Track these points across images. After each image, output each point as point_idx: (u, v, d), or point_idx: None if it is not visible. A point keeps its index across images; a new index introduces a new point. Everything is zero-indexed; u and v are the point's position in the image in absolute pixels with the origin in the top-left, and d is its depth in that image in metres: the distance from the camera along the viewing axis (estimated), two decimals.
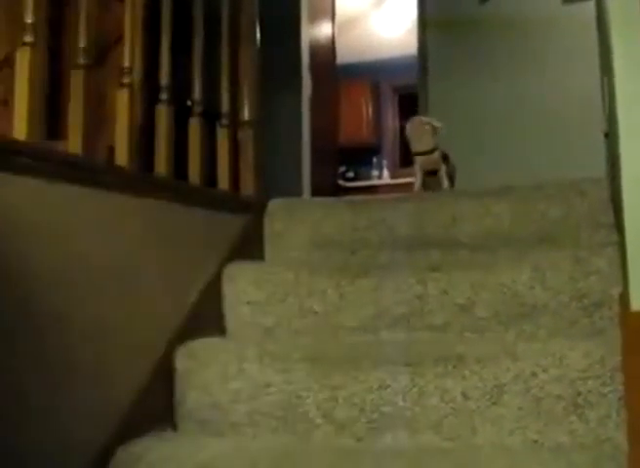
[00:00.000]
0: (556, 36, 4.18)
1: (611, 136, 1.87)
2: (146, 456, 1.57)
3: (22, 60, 1.54)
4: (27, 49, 1.54)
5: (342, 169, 8.10)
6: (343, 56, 7.05)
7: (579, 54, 3.89)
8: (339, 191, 6.49)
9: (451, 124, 4.40)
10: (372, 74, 8.40)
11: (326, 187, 5.56)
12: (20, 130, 1.52)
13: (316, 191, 5.12)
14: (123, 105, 1.88)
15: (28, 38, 1.55)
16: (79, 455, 1.52)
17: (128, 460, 1.57)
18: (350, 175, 8.44)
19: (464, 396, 1.61)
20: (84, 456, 1.53)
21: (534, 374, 1.59)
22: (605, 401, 1.54)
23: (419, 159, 2.75)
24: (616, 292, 1.74)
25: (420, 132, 2.73)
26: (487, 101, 4.39)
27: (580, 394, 1.56)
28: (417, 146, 2.74)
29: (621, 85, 1.58)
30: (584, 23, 3.51)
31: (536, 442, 1.57)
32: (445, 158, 2.74)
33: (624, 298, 1.55)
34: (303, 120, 5.19)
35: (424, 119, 2.84)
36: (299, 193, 4.87)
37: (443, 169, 2.73)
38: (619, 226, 1.77)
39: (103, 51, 2.09)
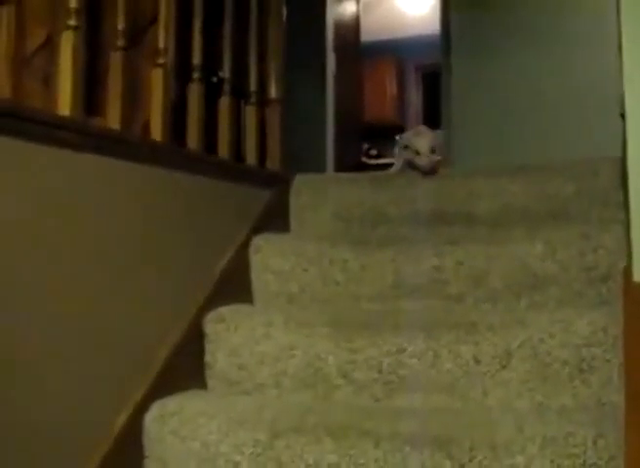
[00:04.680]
0: (581, 13, 4.20)
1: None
2: (180, 412, 1.69)
3: (66, 43, 1.64)
4: (71, 32, 1.64)
5: (366, 146, 8.18)
6: (368, 34, 7.10)
7: (603, 31, 3.91)
8: (362, 168, 6.58)
9: (474, 102, 4.48)
10: (396, 52, 8.44)
11: (349, 164, 5.65)
12: (63, 106, 1.63)
13: (340, 168, 5.21)
14: (157, 84, 1.99)
15: (72, 22, 1.64)
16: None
17: (162, 415, 1.69)
18: (373, 152, 8.51)
19: (476, 360, 1.72)
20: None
21: (541, 341, 1.69)
22: (607, 366, 1.65)
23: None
24: (621, 266, 1.83)
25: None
26: (510, 80, 4.43)
27: (584, 360, 1.66)
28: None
29: (629, 65, 1.64)
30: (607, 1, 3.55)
31: (541, 404, 1.68)
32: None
33: (628, 271, 1.64)
34: (328, 98, 5.27)
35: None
36: (322, 169, 4.96)
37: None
38: (626, 204, 1.85)
39: (139, 32, 2.18)
